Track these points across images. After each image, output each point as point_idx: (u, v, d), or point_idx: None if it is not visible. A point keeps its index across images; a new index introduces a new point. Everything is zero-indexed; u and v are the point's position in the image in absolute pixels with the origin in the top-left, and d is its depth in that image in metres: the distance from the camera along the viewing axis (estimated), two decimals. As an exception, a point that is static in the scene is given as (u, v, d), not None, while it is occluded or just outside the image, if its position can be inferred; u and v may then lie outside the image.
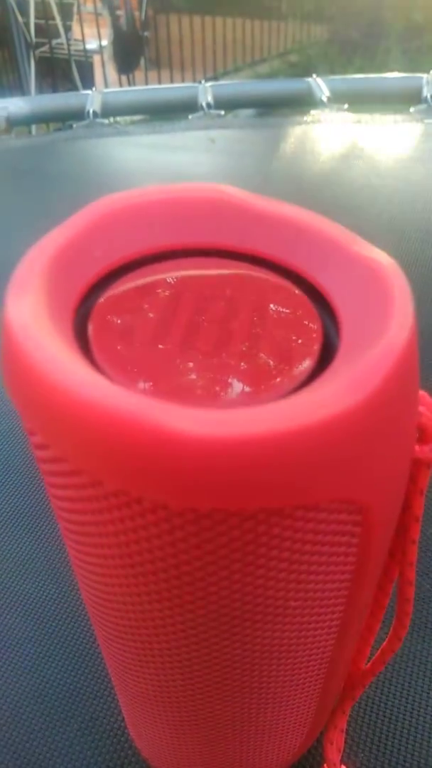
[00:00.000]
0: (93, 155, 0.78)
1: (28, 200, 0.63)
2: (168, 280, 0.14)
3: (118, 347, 0.12)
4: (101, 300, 0.13)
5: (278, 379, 0.12)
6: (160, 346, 0.12)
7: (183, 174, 0.69)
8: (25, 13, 2.67)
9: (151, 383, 0.11)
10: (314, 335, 0.13)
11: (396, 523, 0.15)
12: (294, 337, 0.13)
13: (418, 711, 0.26)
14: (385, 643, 0.20)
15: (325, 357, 0.12)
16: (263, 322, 0.13)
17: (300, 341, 0.13)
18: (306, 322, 0.13)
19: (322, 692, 0.20)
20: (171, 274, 0.14)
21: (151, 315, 0.13)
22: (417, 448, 0.14)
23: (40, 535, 0.33)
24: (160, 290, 0.14)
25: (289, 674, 0.17)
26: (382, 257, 0.13)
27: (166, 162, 0.73)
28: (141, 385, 0.11)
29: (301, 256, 0.14)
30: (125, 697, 0.21)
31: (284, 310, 0.13)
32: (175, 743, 0.21)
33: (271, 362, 0.12)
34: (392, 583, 0.18)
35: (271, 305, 0.13)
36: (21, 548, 0.32)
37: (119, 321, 0.13)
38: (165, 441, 0.10)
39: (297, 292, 0.14)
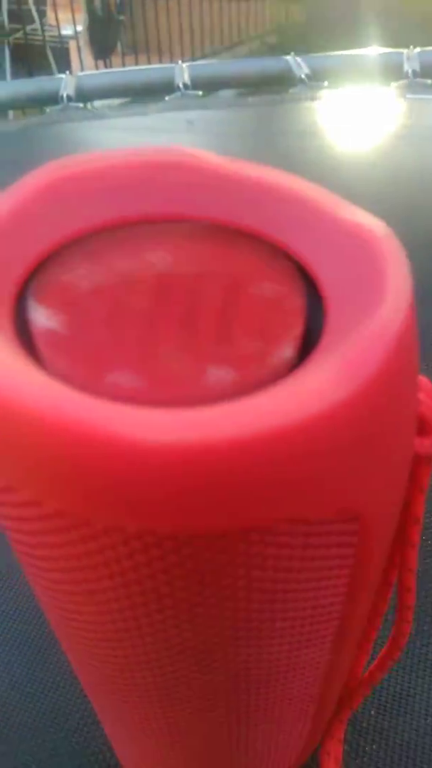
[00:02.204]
0: (68, 140, 0.75)
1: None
2: (125, 256, 0.12)
3: (67, 334, 0.10)
4: (46, 280, 0.11)
5: (255, 367, 0.10)
6: (116, 332, 0.10)
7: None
8: (-4, -2, 2.60)
9: (103, 376, 0.10)
10: (295, 314, 0.11)
11: (395, 525, 0.14)
12: (272, 318, 0.11)
13: (419, 719, 0.24)
14: (383, 651, 0.18)
15: (309, 339, 0.10)
16: (236, 300, 0.11)
17: (279, 322, 0.11)
18: (285, 300, 0.11)
19: (317, 706, 0.18)
20: (128, 248, 0.12)
21: (105, 296, 0.11)
22: (417, 441, 0.12)
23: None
24: (116, 267, 0.12)
25: (279, 694, 0.15)
26: (371, 222, 0.11)
27: (142, 145, 0.71)
28: (91, 378, 0.10)
29: (278, 223, 0.12)
30: (105, 718, 0.19)
31: (260, 286, 0.11)
32: (163, 764, 0.19)
33: (246, 347, 0.10)
34: (391, 589, 0.16)
35: (245, 281, 0.12)
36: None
37: (68, 304, 0.11)
38: (113, 450, 0.08)
39: (274, 265, 0.12)
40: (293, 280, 0.11)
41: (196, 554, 0.09)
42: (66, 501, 0.08)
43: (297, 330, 0.11)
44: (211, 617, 0.11)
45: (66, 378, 0.09)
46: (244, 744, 0.18)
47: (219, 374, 0.10)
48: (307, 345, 0.10)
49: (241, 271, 0.12)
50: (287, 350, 0.10)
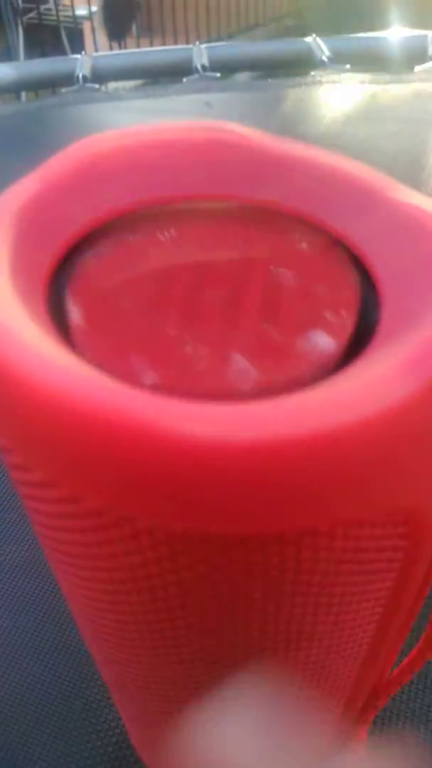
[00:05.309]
0: (83, 121, 0.74)
1: (15, 168, 0.60)
2: (164, 241, 0.11)
3: (103, 323, 0.10)
4: (81, 266, 0.11)
5: (305, 361, 0.09)
6: (155, 322, 0.10)
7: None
8: (11, -23, 2.57)
9: (143, 369, 0.09)
10: (347, 305, 0.10)
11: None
12: (322, 308, 0.10)
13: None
14: (415, 651, 0.18)
15: (363, 332, 0.10)
16: (282, 289, 0.11)
17: (329, 313, 0.10)
18: (336, 289, 0.11)
19: (344, 708, 0.17)
20: (168, 232, 0.12)
21: (143, 284, 0.11)
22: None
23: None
24: (154, 253, 0.11)
25: (309, 697, 0.15)
26: (429, 206, 0.11)
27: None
28: (130, 371, 0.09)
29: (328, 207, 0.11)
30: (125, 712, 0.19)
31: (308, 274, 0.11)
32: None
33: (294, 339, 0.10)
34: (429, 587, 0.16)
35: (292, 268, 0.11)
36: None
37: (104, 292, 0.10)
38: (160, 446, 0.07)
39: (323, 251, 0.11)
40: (344, 267, 0.11)
41: (246, 557, 0.09)
42: (109, 498, 0.08)
43: (350, 322, 0.10)
44: (251, 621, 0.10)
45: (103, 368, 0.09)
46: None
47: (265, 367, 0.09)
48: (360, 338, 0.10)
49: (288, 258, 0.11)
50: (339, 343, 0.10)
